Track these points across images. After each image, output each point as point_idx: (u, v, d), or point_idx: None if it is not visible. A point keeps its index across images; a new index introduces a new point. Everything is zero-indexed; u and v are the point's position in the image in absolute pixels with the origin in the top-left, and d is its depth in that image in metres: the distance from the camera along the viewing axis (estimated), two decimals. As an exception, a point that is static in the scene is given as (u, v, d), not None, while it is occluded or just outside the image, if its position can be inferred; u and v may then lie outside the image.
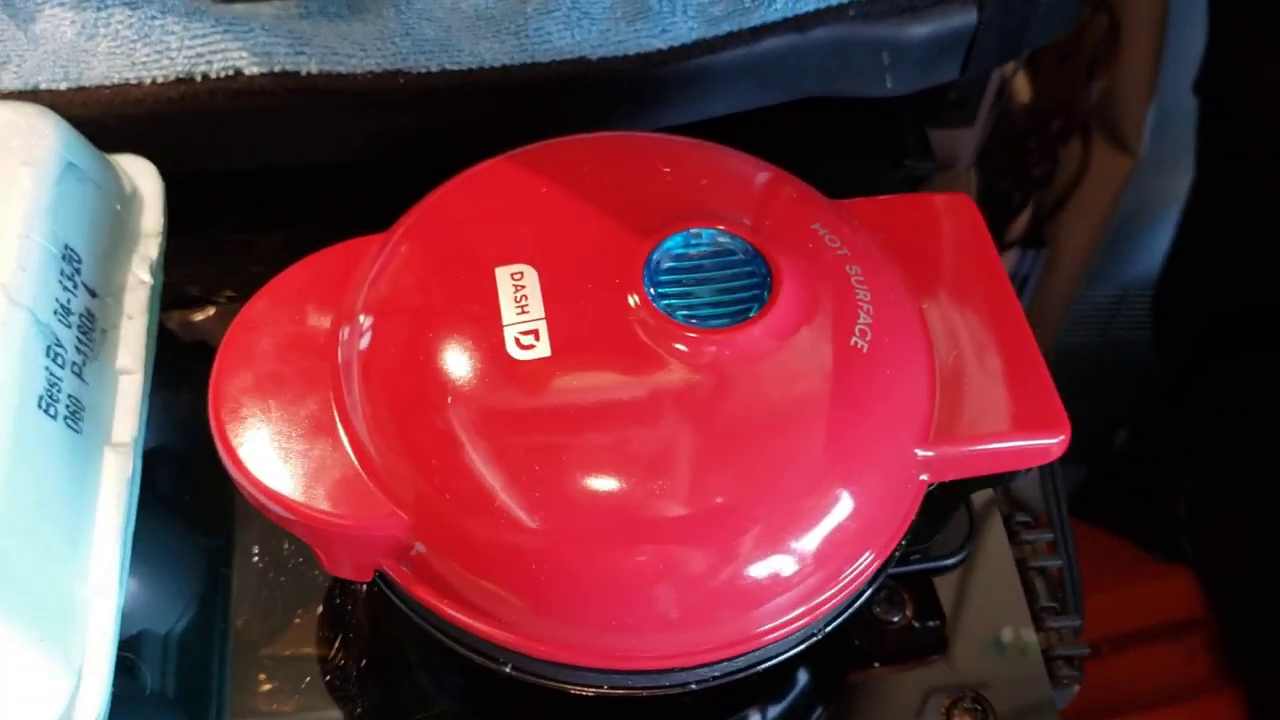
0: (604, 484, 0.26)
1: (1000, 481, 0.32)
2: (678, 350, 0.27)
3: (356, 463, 0.27)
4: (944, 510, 0.33)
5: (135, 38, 0.37)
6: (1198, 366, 0.87)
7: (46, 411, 0.27)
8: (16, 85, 0.36)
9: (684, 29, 0.38)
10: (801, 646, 0.29)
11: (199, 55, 0.36)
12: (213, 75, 0.36)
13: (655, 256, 0.28)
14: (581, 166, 0.31)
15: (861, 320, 0.28)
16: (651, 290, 0.28)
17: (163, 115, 0.37)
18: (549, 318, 0.27)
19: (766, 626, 0.27)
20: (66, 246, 0.30)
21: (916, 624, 0.34)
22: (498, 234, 0.29)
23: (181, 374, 0.35)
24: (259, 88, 0.36)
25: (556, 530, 0.26)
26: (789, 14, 0.38)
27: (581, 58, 0.38)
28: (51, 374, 0.28)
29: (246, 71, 0.36)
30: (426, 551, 0.27)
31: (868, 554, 0.28)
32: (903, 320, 0.29)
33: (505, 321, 0.27)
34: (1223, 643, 0.88)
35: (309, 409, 0.28)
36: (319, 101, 0.37)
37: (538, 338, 0.27)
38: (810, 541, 0.27)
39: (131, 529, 0.29)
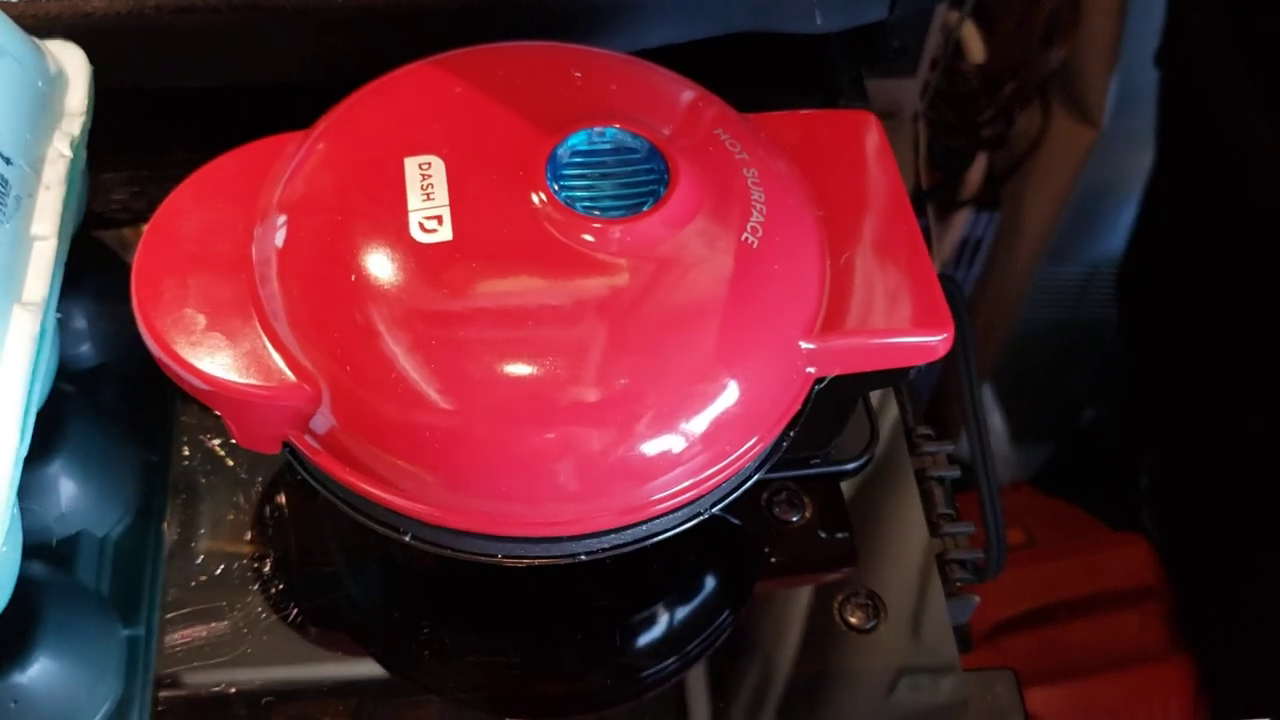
0: (498, 362, 0.27)
1: (893, 381, 0.34)
2: (576, 238, 0.28)
3: (265, 339, 0.28)
4: (842, 413, 0.35)
5: (84, -48, 0.38)
6: (1161, 346, 0.89)
7: None
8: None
9: (616, -43, 0.39)
10: (688, 524, 0.30)
11: (145, -29, 0.38)
12: (159, -9, 0.38)
13: (559, 151, 0.30)
14: (497, 70, 0.32)
15: (754, 218, 0.30)
16: (554, 184, 0.29)
17: (110, 30, 0.38)
18: (453, 205, 0.29)
19: (654, 498, 0.28)
20: None
21: (818, 528, 0.35)
22: (409, 129, 0.30)
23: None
24: (204, 4, 0.38)
25: (452, 404, 0.27)
26: (719, -54, 0.40)
27: (516, -18, 0.39)
28: None
29: (191, -12, 0.38)
30: (329, 422, 0.28)
31: (753, 438, 0.29)
32: (795, 221, 0.31)
33: (410, 207, 0.29)
34: (1176, 611, 0.89)
35: (225, 290, 0.29)
36: (262, 19, 0.38)
37: (440, 223, 0.28)
38: (696, 421, 0.28)
39: (37, 388, 0.31)
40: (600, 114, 0.31)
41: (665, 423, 0.28)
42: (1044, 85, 0.74)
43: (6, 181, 0.32)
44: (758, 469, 0.30)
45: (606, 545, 0.29)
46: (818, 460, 0.35)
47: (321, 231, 0.29)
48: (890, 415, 0.38)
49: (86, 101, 0.35)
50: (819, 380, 0.31)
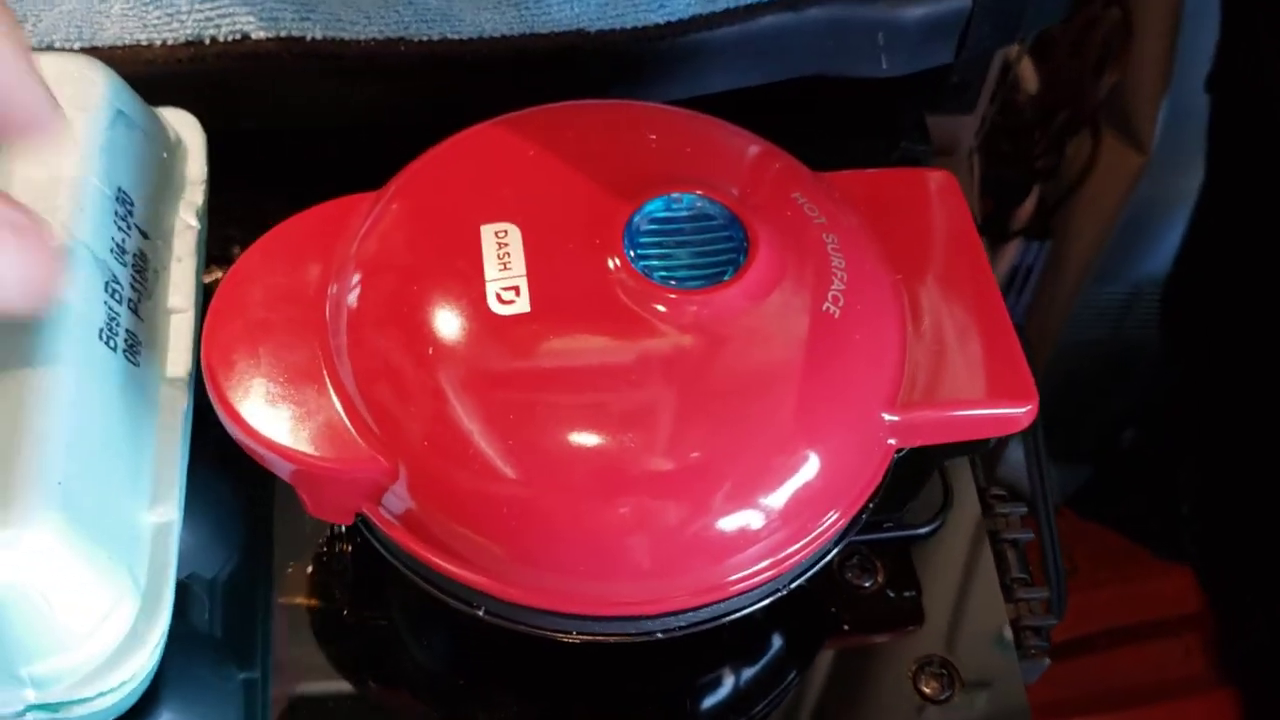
0: (576, 435, 0.27)
1: (972, 451, 0.33)
2: (654, 310, 0.28)
3: (340, 408, 0.28)
4: (917, 477, 0.34)
5: (147, 1, 0.38)
6: (1205, 367, 0.88)
7: (107, 344, 0.29)
8: (31, 43, 0.37)
9: (681, 4, 0.39)
10: (767, 600, 0.29)
11: (208, 19, 0.37)
12: (220, 39, 0.37)
13: (636, 219, 0.29)
14: (569, 131, 0.31)
15: (835, 287, 0.29)
16: (631, 251, 0.29)
17: (173, 76, 0.38)
18: (530, 275, 0.28)
19: (732, 578, 0.28)
20: (119, 189, 0.31)
21: (889, 591, 0.35)
22: (484, 194, 0.30)
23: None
24: (264, 52, 0.37)
25: (530, 479, 0.27)
26: (785, -8, 0.39)
27: (580, 30, 0.38)
28: (110, 308, 0.29)
29: (253, 36, 0.37)
30: (404, 496, 0.28)
31: (833, 513, 0.29)
32: (876, 289, 0.30)
33: (488, 277, 0.28)
34: (1220, 641, 0.88)
35: (296, 357, 0.29)
36: (323, 66, 0.38)
37: (518, 293, 0.28)
38: (776, 498, 0.28)
39: (187, 460, 0.31)
40: (677, 179, 0.30)
41: (743, 499, 0.27)
42: (1095, 112, 0.73)
43: (146, 256, 0.31)
44: (837, 544, 0.30)
45: (683, 624, 0.29)
46: (890, 524, 0.35)
47: (398, 301, 0.28)
48: (963, 475, 0.37)
49: (204, 169, 0.35)
50: (899, 450, 0.30)
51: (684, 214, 0.30)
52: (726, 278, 0.28)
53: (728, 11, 0.39)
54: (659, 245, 0.29)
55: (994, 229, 0.66)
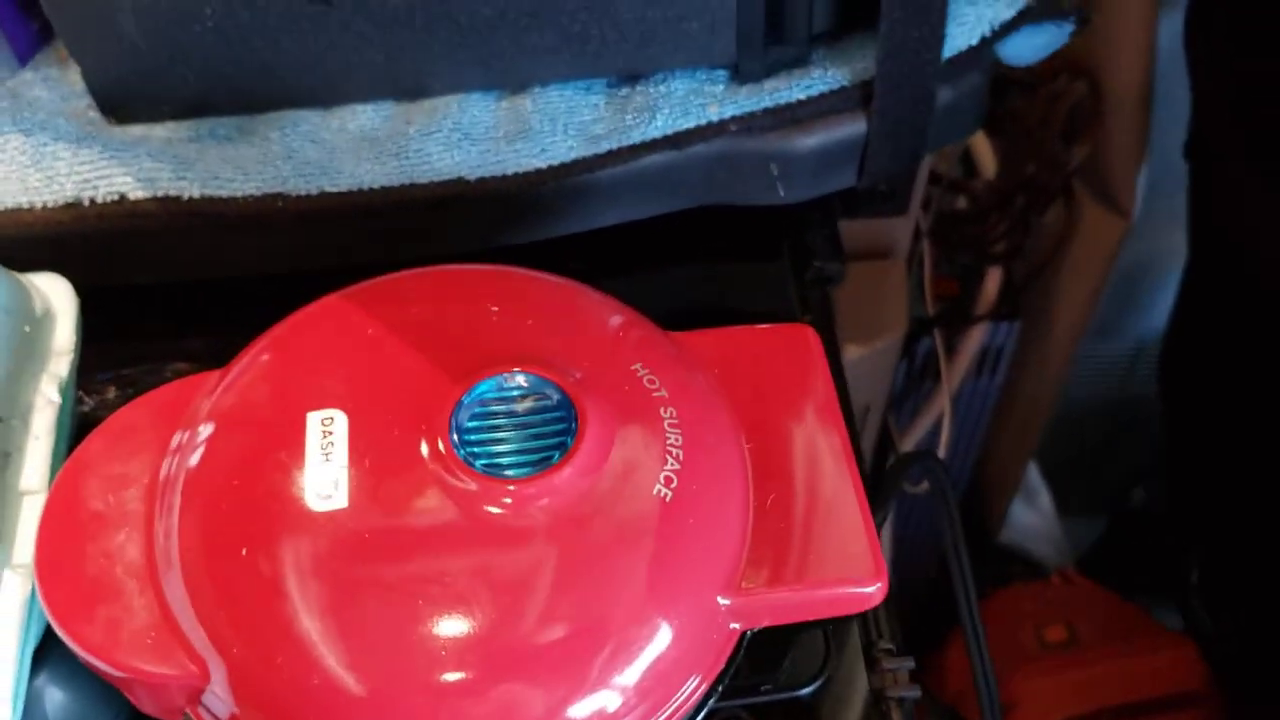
0: (391, 633, 0.26)
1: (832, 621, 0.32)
2: (472, 500, 0.27)
3: (158, 610, 0.28)
4: (788, 638, 0.33)
5: (28, 163, 0.38)
6: (1205, 430, 0.86)
7: None
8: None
9: (563, 148, 0.38)
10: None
11: (86, 180, 0.37)
12: (99, 200, 0.37)
13: (466, 401, 0.29)
14: (412, 305, 0.31)
15: (668, 467, 0.29)
16: (455, 437, 0.28)
17: (54, 237, 0.38)
18: (352, 466, 0.28)
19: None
20: None
21: (766, 753, 0.34)
22: (317, 377, 0.30)
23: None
24: (143, 211, 0.37)
25: (348, 680, 0.26)
26: (669, 131, 0.39)
27: (460, 178, 0.38)
28: None
29: (131, 196, 0.37)
30: (225, 698, 0.27)
31: (672, 701, 0.28)
32: (715, 466, 0.29)
33: (308, 471, 0.28)
34: (1226, 716, 0.85)
35: (124, 554, 0.29)
36: (202, 224, 0.38)
37: (336, 488, 0.28)
38: (597, 693, 0.27)
39: (30, 647, 0.30)
40: (514, 356, 0.29)
41: (562, 692, 0.27)
42: (1068, 182, 0.71)
43: None
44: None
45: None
46: (769, 687, 0.34)
47: (218, 497, 0.28)
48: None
49: (74, 337, 0.34)
50: (746, 631, 0.29)
51: (516, 394, 0.29)
52: (552, 463, 0.28)
53: (610, 153, 0.39)
54: (490, 429, 0.29)
55: (952, 317, 0.64)
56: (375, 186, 0.38)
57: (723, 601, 0.28)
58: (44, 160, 0.38)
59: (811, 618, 0.29)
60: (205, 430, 0.29)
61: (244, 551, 0.27)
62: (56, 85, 0.40)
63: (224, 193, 0.38)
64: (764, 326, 0.33)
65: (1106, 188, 0.76)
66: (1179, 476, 0.96)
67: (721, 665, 0.29)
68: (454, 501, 0.27)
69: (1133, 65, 0.71)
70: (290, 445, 0.28)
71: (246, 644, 0.26)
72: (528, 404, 0.29)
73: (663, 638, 0.27)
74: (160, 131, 0.39)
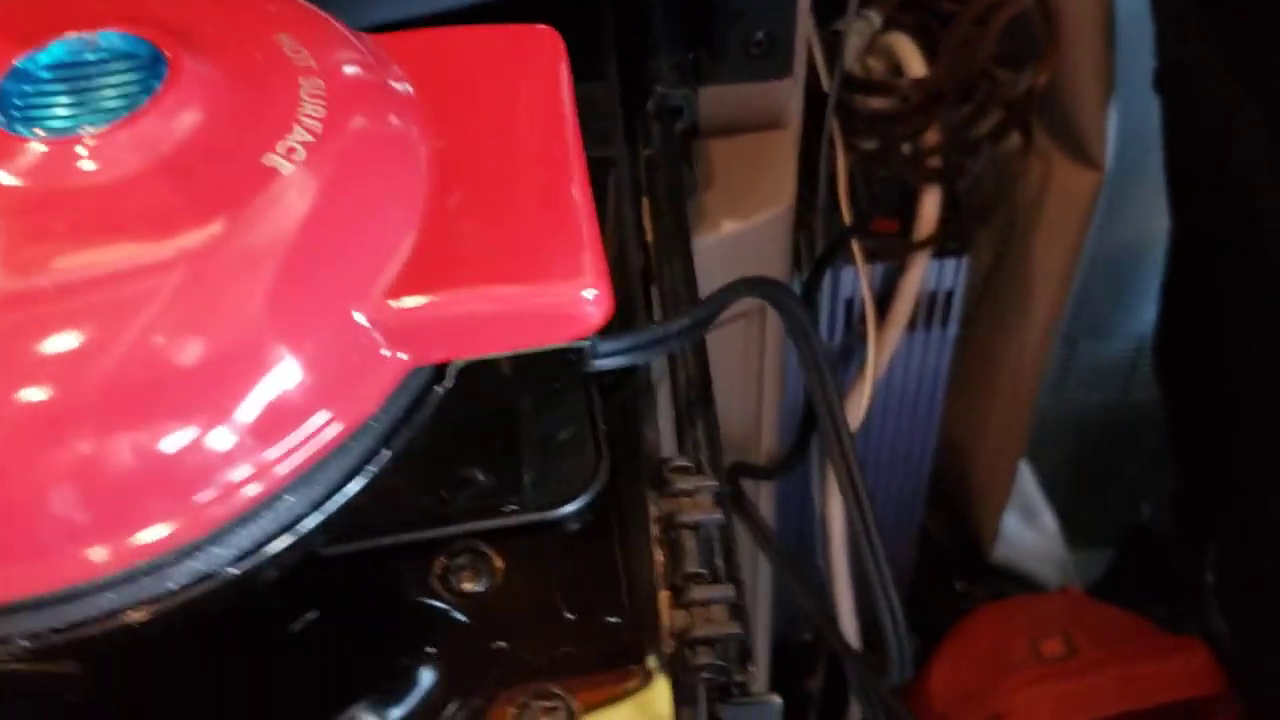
0: None
1: (551, 384, 0.24)
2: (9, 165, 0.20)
3: None
4: (553, 438, 0.25)
5: None
6: (1211, 415, 0.77)
7: None
8: None
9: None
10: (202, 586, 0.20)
11: None
12: None
13: (25, 66, 0.21)
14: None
15: (293, 137, 0.21)
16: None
17: None
18: None
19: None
20: None
21: (515, 599, 0.25)
22: None
23: None
24: None
25: None
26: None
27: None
28: None
29: None
30: None
31: (293, 437, 0.20)
32: (365, 150, 0.22)
33: None
34: (1244, 720, 0.76)
35: None
36: None
37: None
38: (177, 406, 0.19)
39: None
40: (111, 21, 0.22)
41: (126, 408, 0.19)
42: (1023, 116, 0.64)
43: None
44: (353, 475, 0.21)
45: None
46: (513, 506, 0.25)
47: None
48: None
49: None
50: (436, 376, 0.21)
51: (97, 57, 0.22)
52: (116, 119, 0.20)
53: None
54: (60, 93, 0.21)
55: (881, 238, 0.56)
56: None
57: (358, 316, 0.20)
58: None
59: (506, 346, 0.21)
60: None
61: None
62: None
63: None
64: (495, 27, 0.26)
65: (1071, 132, 0.68)
66: (1187, 470, 0.87)
67: (372, 406, 0.21)
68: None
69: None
70: None
71: None
72: (109, 66, 0.21)
73: (262, 348, 0.19)
74: None
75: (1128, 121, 0.68)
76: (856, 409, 0.58)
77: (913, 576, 0.87)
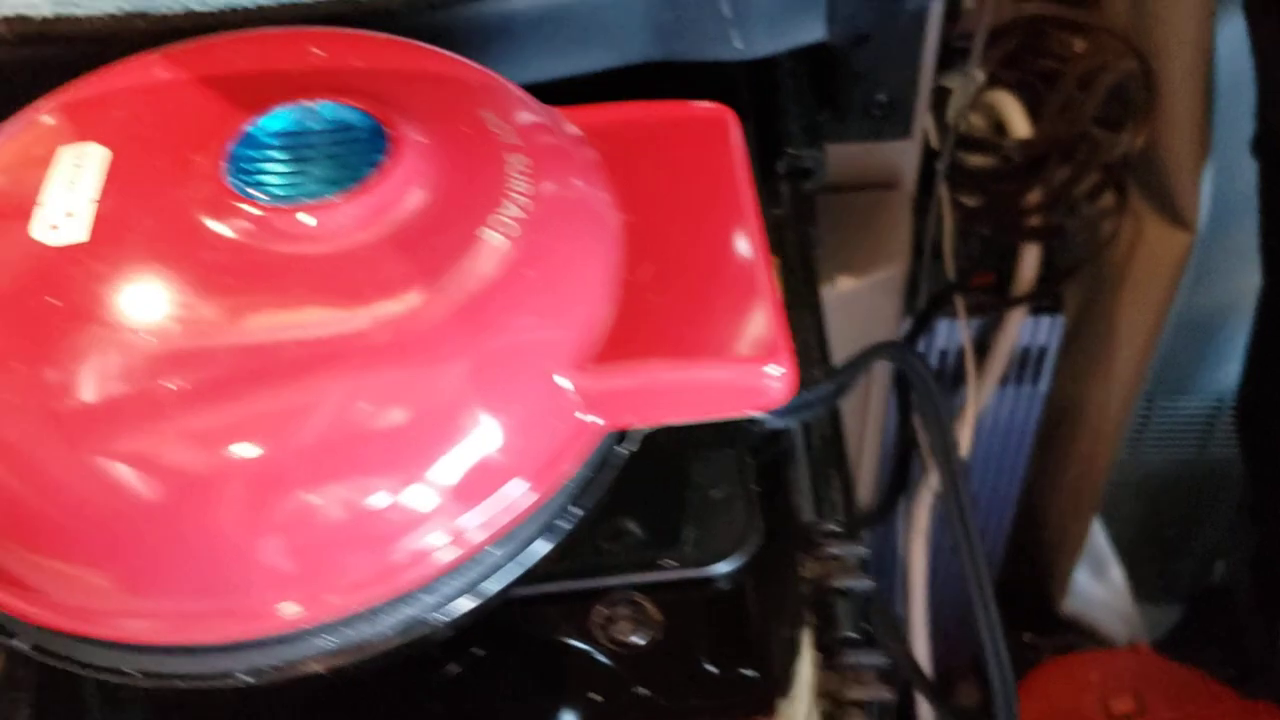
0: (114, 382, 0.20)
1: (729, 442, 0.25)
2: (241, 229, 0.21)
3: None
4: (690, 490, 0.26)
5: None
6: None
7: None
8: None
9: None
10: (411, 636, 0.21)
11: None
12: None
13: (253, 133, 0.23)
14: (219, 54, 0.26)
15: (505, 211, 0.22)
16: (230, 165, 0.22)
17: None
18: (104, 199, 0.22)
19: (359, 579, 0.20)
20: None
21: (671, 655, 0.26)
22: (88, 116, 0.24)
23: None
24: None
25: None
26: (595, -50, 0.33)
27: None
28: None
29: (-25, 14, 0.33)
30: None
31: (492, 502, 0.21)
32: (569, 224, 0.23)
33: (43, 201, 0.22)
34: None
35: None
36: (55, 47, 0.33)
37: (71, 218, 0.22)
38: (380, 467, 0.20)
39: None
40: (325, 90, 0.24)
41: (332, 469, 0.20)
42: (1119, 177, 0.64)
43: None
44: (539, 535, 0.22)
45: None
46: (671, 562, 0.27)
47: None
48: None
49: None
50: (618, 438, 0.22)
51: (318, 127, 0.23)
52: (343, 192, 0.22)
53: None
54: (284, 160, 0.23)
55: (980, 294, 0.57)
56: (251, 6, 0.33)
57: (562, 382, 0.21)
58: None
59: (694, 415, 0.22)
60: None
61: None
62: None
63: (79, 11, 0.33)
64: (673, 102, 0.27)
65: (1165, 193, 0.69)
66: (1267, 533, 0.86)
67: (569, 467, 0.22)
68: (217, 232, 0.21)
69: (1189, 45, 0.64)
70: (33, 181, 0.23)
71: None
72: (332, 136, 0.23)
73: (470, 414, 0.21)
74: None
75: (1220, 183, 0.68)
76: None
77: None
